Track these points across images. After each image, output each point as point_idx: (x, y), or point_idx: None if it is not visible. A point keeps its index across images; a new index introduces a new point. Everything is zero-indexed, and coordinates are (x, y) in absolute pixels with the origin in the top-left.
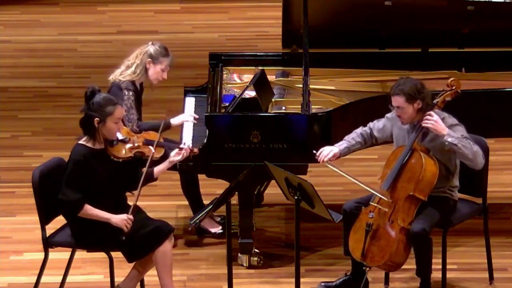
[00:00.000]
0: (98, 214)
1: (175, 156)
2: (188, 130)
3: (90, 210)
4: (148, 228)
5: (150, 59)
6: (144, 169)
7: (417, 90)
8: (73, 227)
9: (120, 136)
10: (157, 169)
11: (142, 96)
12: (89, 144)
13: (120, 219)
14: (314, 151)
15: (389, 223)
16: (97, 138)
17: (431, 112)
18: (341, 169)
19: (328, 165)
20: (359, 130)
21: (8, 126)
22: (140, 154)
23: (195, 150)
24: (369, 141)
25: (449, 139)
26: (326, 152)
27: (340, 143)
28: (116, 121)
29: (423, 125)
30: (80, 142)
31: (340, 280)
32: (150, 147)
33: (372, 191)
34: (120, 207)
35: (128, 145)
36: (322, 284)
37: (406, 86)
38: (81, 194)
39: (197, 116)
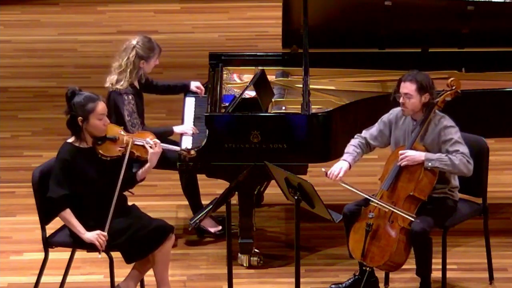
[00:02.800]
0: (75, 224)
1: (151, 155)
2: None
3: (69, 216)
4: (147, 229)
5: (143, 61)
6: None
7: (428, 83)
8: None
9: (111, 134)
10: (139, 172)
11: (143, 80)
12: (76, 143)
13: (93, 236)
14: (324, 169)
15: (389, 223)
16: (84, 137)
17: (401, 151)
18: (355, 188)
19: (342, 184)
20: (356, 142)
21: (8, 126)
22: (130, 154)
23: (192, 152)
24: (366, 150)
25: (429, 164)
26: (337, 170)
27: (346, 156)
28: (100, 117)
29: (401, 165)
30: (68, 141)
31: (350, 280)
32: (132, 144)
33: (394, 209)
34: (108, 206)
35: (117, 144)
36: (332, 286)
37: (419, 76)
38: (66, 192)
39: (196, 131)
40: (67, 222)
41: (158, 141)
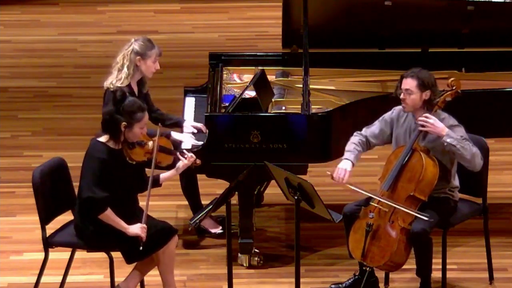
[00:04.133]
0: (118, 222)
1: (182, 165)
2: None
3: (112, 215)
4: (150, 231)
5: (138, 57)
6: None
7: (430, 81)
8: (82, 224)
9: (139, 139)
10: (162, 176)
11: (145, 91)
12: (109, 144)
13: (138, 228)
14: (329, 172)
15: (389, 223)
16: (120, 140)
17: (427, 114)
18: (362, 188)
19: (349, 186)
20: (356, 139)
21: (8, 126)
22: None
23: (198, 162)
24: (365, 148)
25: (448, 140)
26: (342, 173)
27: (348, 154)
28: (142, 126)
29: (421, 129)
30: (100, 140)
31: (350, 280)
32: (157, 151)
33: (400, 207)
34: (129, 209)
35: (144, 149)
36: (332, 286)
37: (421, 73)
38: (107, 193)
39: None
40: (109, 220)
41: (193, 155)
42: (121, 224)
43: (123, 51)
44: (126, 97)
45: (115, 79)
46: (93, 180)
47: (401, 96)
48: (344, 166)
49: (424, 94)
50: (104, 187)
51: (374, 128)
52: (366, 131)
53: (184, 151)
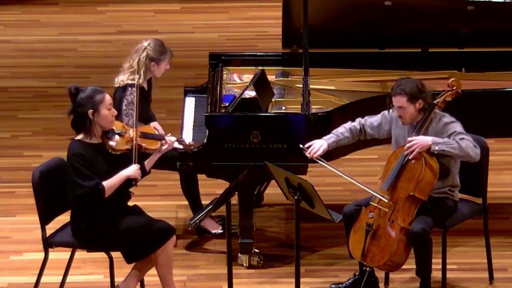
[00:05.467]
0: (117, 181)
1: (164, 148)
2: (188, 130)
3: (109, 184)
4: (149, 230)
5: (153, 62)
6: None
7: (418, 89)
8: (75, 226)
9: (118, 129)
10: (146, 162)
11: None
12: (86, 140)
13: (134, 170)
14: (301, 146)
15: (389, 223)
16: (94, 132)
17: (409, 138)
18: (332, 165)
19: (319, 161)
20: (348, 125)
21: (8, 126)
22: (137, 147)
23: (191, 142)
24: (357, 137)
25: (436, 148)
26: (316, 147)
27: (328, 136)
28: (109, 107)
29: (411, 157)
30: (76, 138)
31: (350, 280)
32: (139, 137)
33: (369, 190)
34: (121, 200)
35: (125, 138)
36: (332, 286)
37: (407, 86)
38: (96, 179)
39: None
40: (112, 189)
41: (173, 138)
42: (121, 177)
43: (138, 56)
44: (79, 90)
45: (127, 79)
46: (78, 177)
47: (396, 113)
48: (320, 143)
49: (417, 105)
50: (90, 177)
51: (373, 120)
52: (366, 120)
53: (169, 138)
